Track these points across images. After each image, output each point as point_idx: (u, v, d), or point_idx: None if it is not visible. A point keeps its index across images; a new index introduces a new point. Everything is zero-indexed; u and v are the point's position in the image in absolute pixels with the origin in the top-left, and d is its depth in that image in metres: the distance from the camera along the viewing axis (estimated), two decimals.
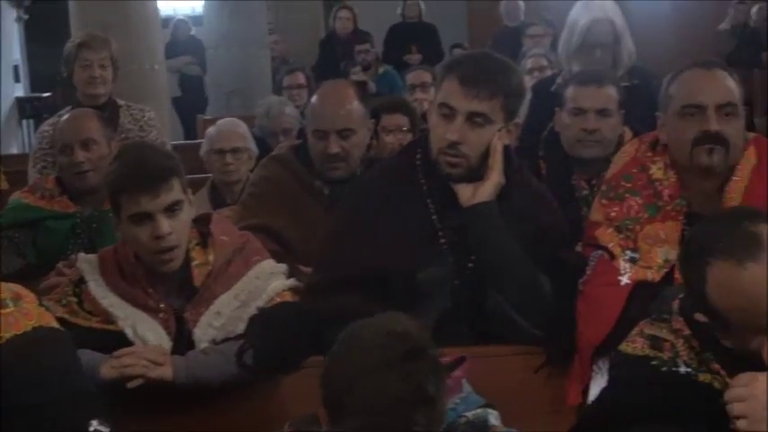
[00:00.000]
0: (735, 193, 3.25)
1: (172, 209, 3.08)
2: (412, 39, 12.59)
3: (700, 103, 3.23)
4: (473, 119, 3.27)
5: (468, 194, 3.29)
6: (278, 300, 3.32)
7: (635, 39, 5.09)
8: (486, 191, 3.28)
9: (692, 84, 3.31)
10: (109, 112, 5.68)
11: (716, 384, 2.32)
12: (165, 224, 3.04)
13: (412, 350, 2.18)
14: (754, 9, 13.43)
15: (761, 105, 11.16)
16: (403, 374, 2.14)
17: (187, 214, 3.20)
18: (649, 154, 3.41)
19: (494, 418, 2.43)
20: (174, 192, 3.10)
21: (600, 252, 3.25)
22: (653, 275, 3.14)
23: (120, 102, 6.09)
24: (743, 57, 12.34)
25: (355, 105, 4.28)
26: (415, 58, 11.65)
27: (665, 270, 3.13)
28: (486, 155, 3.32)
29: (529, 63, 7.43)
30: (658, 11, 15.80)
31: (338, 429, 2.22)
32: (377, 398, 2.13)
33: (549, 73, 6.49)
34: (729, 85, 3.31)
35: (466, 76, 3.32)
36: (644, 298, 2.96)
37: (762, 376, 2.24)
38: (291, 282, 3.42)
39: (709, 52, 12.92)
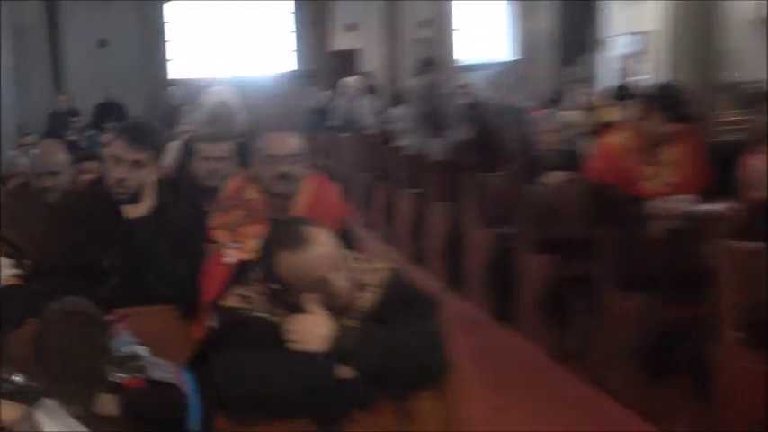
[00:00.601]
0: (298, 208, 3.43)
1: None
2: (109, 113, 12.87)
3: (275, 153, 3.42)
4: (134, 164, 3.38)
5: (130, 212, 3.36)
6: (8, 282, 3.32)
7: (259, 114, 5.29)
8: (140, 209, 3.37)
9: (272, 141, 3.50)
10: None
11: (281, 323, 2.40)
12: None
13: (86, 321, 2.29)
14: (323, 94, 13.95)
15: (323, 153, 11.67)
16: (84, 339, 2.24)
17: None
18: (246, 184, 3.54)
19: (142, 350, 2.49)
20: None
21: (215, 244, 3.37)
22: (251, 257, 3.17)
23: None
24: (318, 124, 12.88)
25: (61, 156, 4.35)
26: (110, 126, 11.54)
27: (258, 254, 3.21)
28: (142, 186, 3.42)
29: (182, 128, 7.48)
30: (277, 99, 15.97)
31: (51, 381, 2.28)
32: (72, 359, 2.21)
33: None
34: (295, 142, 3.51)
35: (131, 137, 3.43)
36: (245, 271, 2.97)
37: (303, 317, 2.39)
38: (18, 271, 3.43)
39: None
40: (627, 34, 15.11)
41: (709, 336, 3.87)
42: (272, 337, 2.40)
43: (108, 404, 2.35)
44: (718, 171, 4.65)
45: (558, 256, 5.32)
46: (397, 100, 12.27)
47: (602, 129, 6.19)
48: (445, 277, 7.07)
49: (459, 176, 6.84)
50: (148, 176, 3.44)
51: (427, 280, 7.08)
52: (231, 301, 2.55)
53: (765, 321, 3.59)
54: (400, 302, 2.52)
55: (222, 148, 4.39)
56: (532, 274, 5.56)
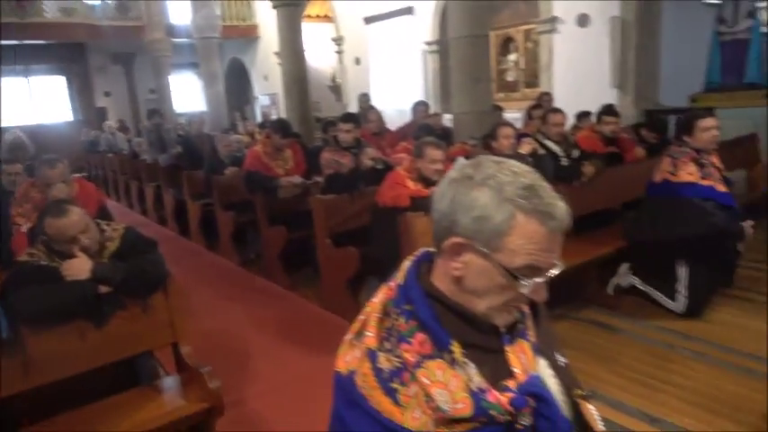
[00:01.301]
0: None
1: None
2: None
3: (48, 182, 2.80)
4: None
5: None
6: None
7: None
8: None
9: (45, 171, 2.76)
10: None
11: (58, 266, 2.07)
12: None
13: None
14: (93, 132, 11.94)
15: (96, 166, 10.04)
16: None
17: None
18: (32, 188, 2.92)
19: None
20: None
21: (17, 225, 2.73)
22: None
23: None
24: (91, 150, 11.06)
25: None
26: None
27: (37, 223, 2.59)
28: None
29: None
30: (63, 136, 13.49)
31: None
32: None
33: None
34: (60, 170, 2.82)
35: None
36: (34, 237, 2.44)
37: (72, 260, 2.07)
38: None
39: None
40: (265, 95, 15.15)
41: (315, 242, 3.93)
42: (52, 275, 2.07)
43: None
44: (311, 162, 4.71)
45: (234, 211, 5.13)
46: (138, 133, 11.10)
47: (254, 143, 6.10)
48: (177, 229, 6.55)
49: (178, 174, 6.36)
50: None
51: (164, 231, 6.61)
52: (24, 257, 2.16)
53: (341, 234, 3.76)
54: (133, 245, 2.28)
55: (18, 167, 3.61)
56: (223, 222, 5.34)
